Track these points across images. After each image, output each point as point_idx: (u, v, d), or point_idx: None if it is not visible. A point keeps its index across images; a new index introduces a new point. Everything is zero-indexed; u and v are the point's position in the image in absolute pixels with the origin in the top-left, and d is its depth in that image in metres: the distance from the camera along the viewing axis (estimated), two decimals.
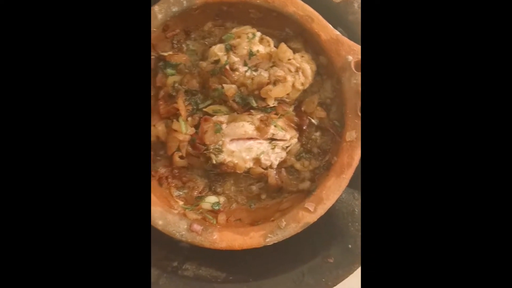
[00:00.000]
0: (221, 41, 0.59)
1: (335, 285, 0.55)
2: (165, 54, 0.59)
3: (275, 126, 0.56)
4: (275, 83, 0.55)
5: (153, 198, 0.54)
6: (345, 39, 0.54)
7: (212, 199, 0.59)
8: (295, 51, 0.57)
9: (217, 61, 0.56)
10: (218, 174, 0.60)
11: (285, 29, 0.58)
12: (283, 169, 0.58)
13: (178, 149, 0.56)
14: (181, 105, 0.56)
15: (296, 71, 0.56)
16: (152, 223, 0.53)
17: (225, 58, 0.56)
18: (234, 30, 0.58)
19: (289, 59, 0.55)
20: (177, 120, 0.56)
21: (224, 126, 0.55)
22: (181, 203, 0.58)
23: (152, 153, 0.59)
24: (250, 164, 0.56)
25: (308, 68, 0.56)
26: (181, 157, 0.57)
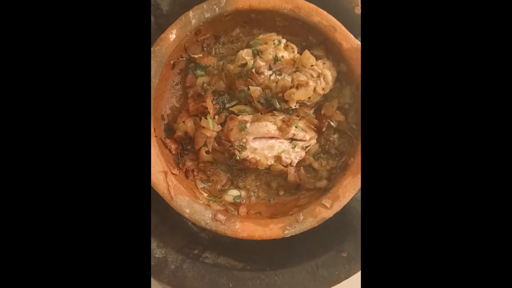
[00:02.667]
0: (248, 46, 0.62)
1: (347, 278, 0.57)
2: (196, 56, 0.63)
3: (296, 127, 0.59)
4: (297, 87, 0.59)
5: (181, 188, 0.58)
6: None
7: (234, 192, 0.62)
8: (317, 58, 0.60)
9: (244, 65, 0.59)
10: (240, 170, 0.63)
11: (308, 37, 0.62)
12: (301, 167, 0.62)
13: (205, 145, 0.60)
14: (209, 104, 0.60)
15: (317, 77, 0.59)
16: (180, 211, 0.56)
17: (251, 62, 0.59)
18: (261, 36, 0.62)
19: (311, 65, 0.59)
20: (205, 118, 0.59)
21: (248, 125, 0.59)
22: (205, 195, 0.61)
23: (180, 147, 0.63)
24: (271, 161, 0.59)
25: (329, 74, 0.59)
26: (207, 152, 0.61)
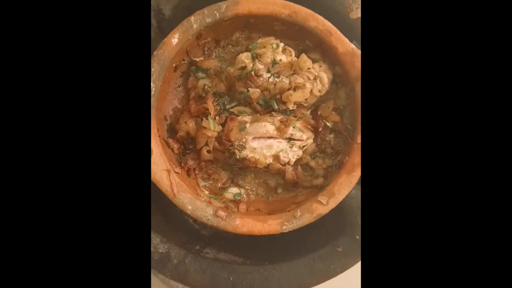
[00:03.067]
0: (247, 49, 0.64)
1: (342, 272, 0.59)
2: (197, 59, 0.65)
3: (293, 127, 0.61)
4: (295, 89, 0.60)
5: (183, 186, 0.59)
6: (359, 52, 0.59)
7: (234, 190, 0.64)
8: (314, 61, 0.62)
9: (243, 68, 0.61)
10: (240, 168, 0.65)
11: (305, 41, 0.64)
12: (299, 166, 0.64)
13: (206, 144, 0.62)
14: (210, 105, 0.62)
15: (314, 79, 0.61)
16: (182, 207, 0.58)
17: (251, 65, 0.61)
18: (260, 40, 0.64)
19: (308, 68, 0.60)
20: (206, 119, 0.61)
21: (248, 125, 0.60)
22: (206, 192, 0.63)
23: (182, 147, 0.65)
24: (270, 160, 0.61)
25: (325, 76, 0.61)
26: (208, 152, 0.63)
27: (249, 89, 0.61)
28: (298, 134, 0.61)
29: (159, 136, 0.62)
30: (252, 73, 0.61)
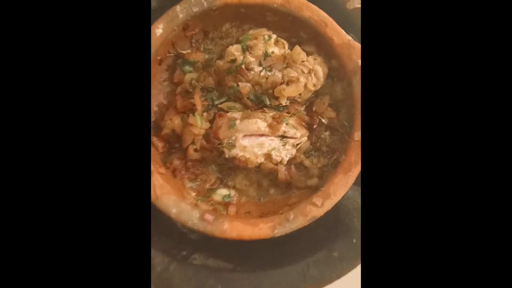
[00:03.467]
0: (238, 41, 0.62)
1: (338, 278, 0.56)
2: (184, 52, 0.62)
3: (286, 124, 0.58)
4: (288, 83, 0.58)
5: (168, 188, 0.56)
6: (356, 44, 0.57)
7: (223, 191, 0.61)
8: (308, 54, 0.60)
9: (233, 61, 0.59)
10: (229, 168, 0.62)
11: (299, 32, 0.61)
12: (292, 165, 0.61)
13: (193, 143, 0.59)
14: (198, 100, 0.59)
15: (308, 73, 0.58)
16: (166, 211, 0.55)
17: (241, 58, 0.59)
18: (251, 31, 0.61)
19: (302, 61, 0.58)
20: (193, 115, 0.58)
21: (238, 122, 0.58)
22: (193, 194, 0.60)
23: (167, 145, 0.62)
24: (261, 159, 0.58)
25: (320, 70, 0.59)
26: (195, 150, 0.60)
27: (239, 83, 0.58)
28: (291, 132, 0.59)
29: None
30: (243, 66, 0.58)
